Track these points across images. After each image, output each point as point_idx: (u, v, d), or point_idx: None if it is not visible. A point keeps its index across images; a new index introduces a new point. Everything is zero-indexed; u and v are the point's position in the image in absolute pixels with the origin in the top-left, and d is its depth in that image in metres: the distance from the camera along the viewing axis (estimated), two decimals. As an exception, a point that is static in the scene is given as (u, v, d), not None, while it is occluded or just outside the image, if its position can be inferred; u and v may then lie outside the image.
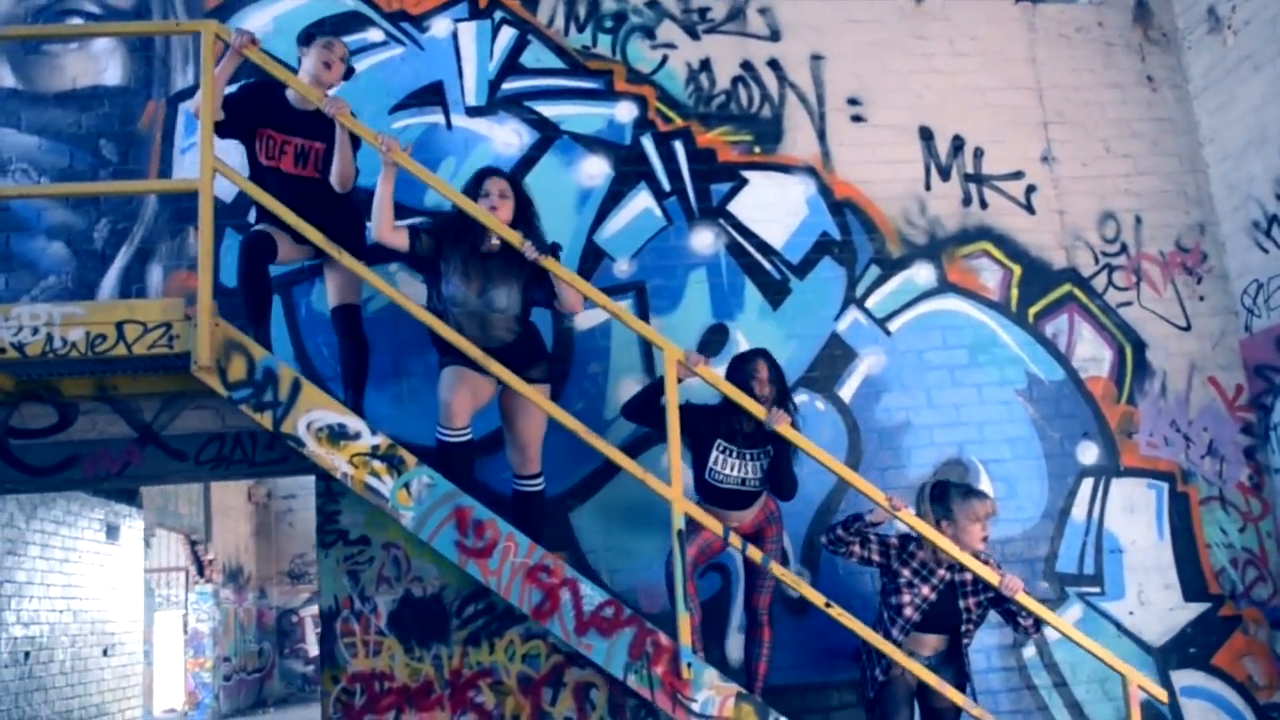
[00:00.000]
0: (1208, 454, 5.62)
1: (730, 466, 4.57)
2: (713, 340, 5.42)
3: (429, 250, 4.49)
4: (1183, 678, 5.38)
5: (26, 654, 7.63)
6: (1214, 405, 5.69)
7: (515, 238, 4.32)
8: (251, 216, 5.26)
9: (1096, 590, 5.41)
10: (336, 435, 4.21)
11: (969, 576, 4.38)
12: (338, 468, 4.20)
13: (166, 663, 17.84)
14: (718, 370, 4.61)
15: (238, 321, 5.06)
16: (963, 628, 4.43)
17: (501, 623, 5.01)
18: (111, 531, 9.26)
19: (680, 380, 4.33)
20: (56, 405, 5.07)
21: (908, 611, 4.40)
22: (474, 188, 4.52)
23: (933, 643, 4.47)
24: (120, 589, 9.45)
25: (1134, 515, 5.51)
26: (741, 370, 4.61)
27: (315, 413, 4.24)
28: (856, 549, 4.49)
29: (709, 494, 4.65)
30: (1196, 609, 5.46)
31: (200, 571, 17.58)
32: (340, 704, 4.93)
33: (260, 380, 4.23)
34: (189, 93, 5.39)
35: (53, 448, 5.05)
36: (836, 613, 4.25)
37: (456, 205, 4.35)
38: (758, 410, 4.33)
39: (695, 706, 4.09)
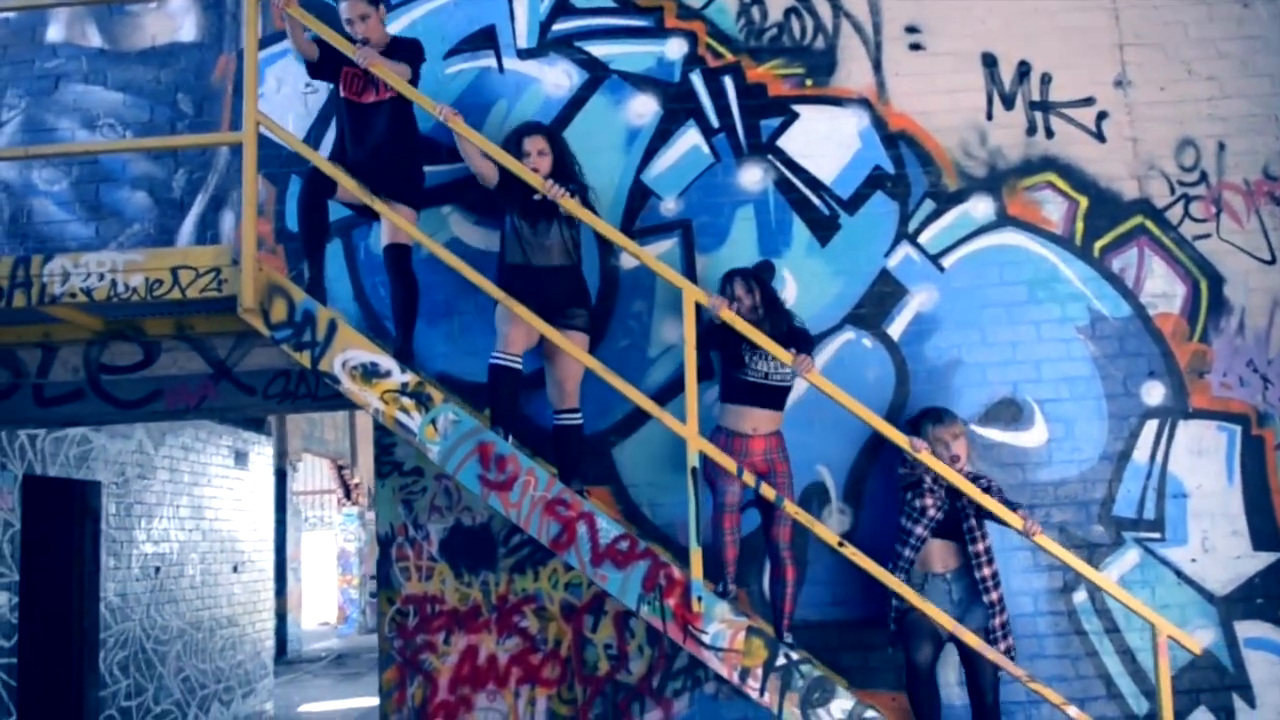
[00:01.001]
0: (1288, 395, 5.31)
1: (758, 361, 4.69)
2: (758, 278, 5.40)
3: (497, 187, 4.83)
4: (1247, 629, 5.16)
5: (157, 569, 8.33)
6: (1298, 343, 5.36)
7: (541, 184, 4.47)
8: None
9: (1156, 536, 5.22)
10: (369, 373, 4.44)
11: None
12: (370, 404, 4.44)
13: (318, 580, 19.08)
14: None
15: (300, 265, 5.39)
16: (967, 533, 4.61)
17: (546, 552, 5.19)
18: (240, 457, 9.93)
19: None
20: (141, 344, 5.49)
21: (920, 530, 4.60)
22: (514, 145, 4.76)
23: (940, 552, 4.59)
24: (250, 511, 10.14)
25: (1202, 459, 5.27)
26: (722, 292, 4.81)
27: (350, 352, 4.47)
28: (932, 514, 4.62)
29: (740, 393, 4.76)
30: (1267, 558, 5.21)
31: (347, 494, 18.64)
32: (395, 624, 5.24)
33: (300, 321, 4.49)
34: (260, 46, 5.66)
35: (138, 383, 5.48)
36: (850, 552, 4.27)
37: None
38: (783, 355, 4.35)
39: (706, 639, 4.20)
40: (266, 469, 10.61)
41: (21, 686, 6.86)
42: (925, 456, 4.28)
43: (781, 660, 4.17)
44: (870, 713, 4.15)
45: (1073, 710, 4.18)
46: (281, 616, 15.37)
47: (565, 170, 4.84)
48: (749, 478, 4.32)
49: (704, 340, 4.69)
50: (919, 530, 4.60)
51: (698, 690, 5.15)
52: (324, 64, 4.87)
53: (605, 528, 4.28)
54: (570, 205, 4.43)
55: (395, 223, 4.58)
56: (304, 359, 4.46)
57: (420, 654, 5.20)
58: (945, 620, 4.25)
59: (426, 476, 5.33)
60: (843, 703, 4.15)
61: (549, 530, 4.30)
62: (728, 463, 4.31)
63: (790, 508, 4.29)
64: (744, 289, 4.82)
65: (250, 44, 4.57)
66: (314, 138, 5.57)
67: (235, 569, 9.68)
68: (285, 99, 5.61)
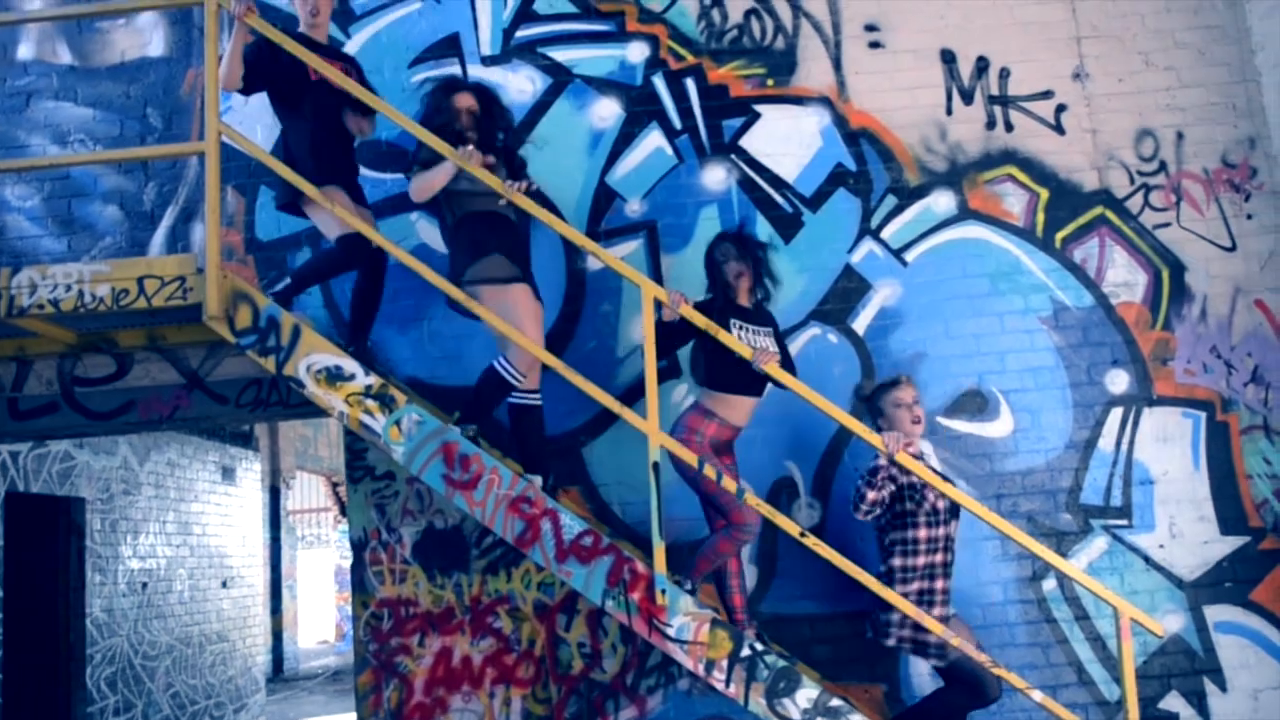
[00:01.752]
0: (1251, 380, 5.35)
1: (749, 339, 4.63)
2: (723, 276, 5.45)
3: None
4: (1217, 613, 5.19)
5: (144, 584, 8.36)
6: (1260, 329, 5.40)
7: (498, 185, 4.50)
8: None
9: (1124, 523, 5.26)
10: (333, 376, 4.48)
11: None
12: (335, 407, 4.48)
13: (315, 598, 19.08)
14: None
15: (271, 274, 5.44)
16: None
17: (518, 553, 5.24)
18: (227, 473, 9.97)
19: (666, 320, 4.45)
20: (114, 356, 5.53)
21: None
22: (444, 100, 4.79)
23: None
24: (239, 527, 10.17)
25: (1167, 445, 5.31)
26: (711, 258, 4.80)
27: (314, 356, 4.51)
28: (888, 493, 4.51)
29: (725, 380, 4.65)
30: (1234, 542, 5.24)
31: (343, 511, 18.64)
32: (370, 627, 5.28)
33: (264, 327, 4.53)
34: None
35: (111, 394, 5.52)
36: (812, 542, 4.30)
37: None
38: (744, 351, 4.38)
39: (670, 632, 4.23)
40: (255, 485, 10.65)
41: (8, 703, 6.88)
42: (904, 458, 4.29)
43: (746, 651, 4.19)
44: (835, 701, 4.18)
45: (1037, 694, 4.20)
46: (278, 635, 15.38)
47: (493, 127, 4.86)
48: (710, 472, 4.36)
49: (684, 332, 4.68)
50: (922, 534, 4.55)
51: (672, 686, 5.18)
52: (253, 78, 4.79)
53: (569, 524, 4.31)
54: (527, 205, 4.48)
55: (359, 229, 4.60)
56: (269, 364, 4.50)
57: (395, 657, 5.23)
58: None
59: (398, 480, 5.37)
60: (808, 692, 4.17)
61: (514, 528, 4.33)
62: (688, 456, 4.34)
63: (752, 500, 4.32)
64: (735, 254, 4.75)
65: (210, 54, 4.62)
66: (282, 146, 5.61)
67: (224, 584, 9.70)
68: (254, 110, 5.66)
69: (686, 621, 4.24)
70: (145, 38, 5.84)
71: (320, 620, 19.62)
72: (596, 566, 4.28)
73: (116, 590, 8.16)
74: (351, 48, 5.69)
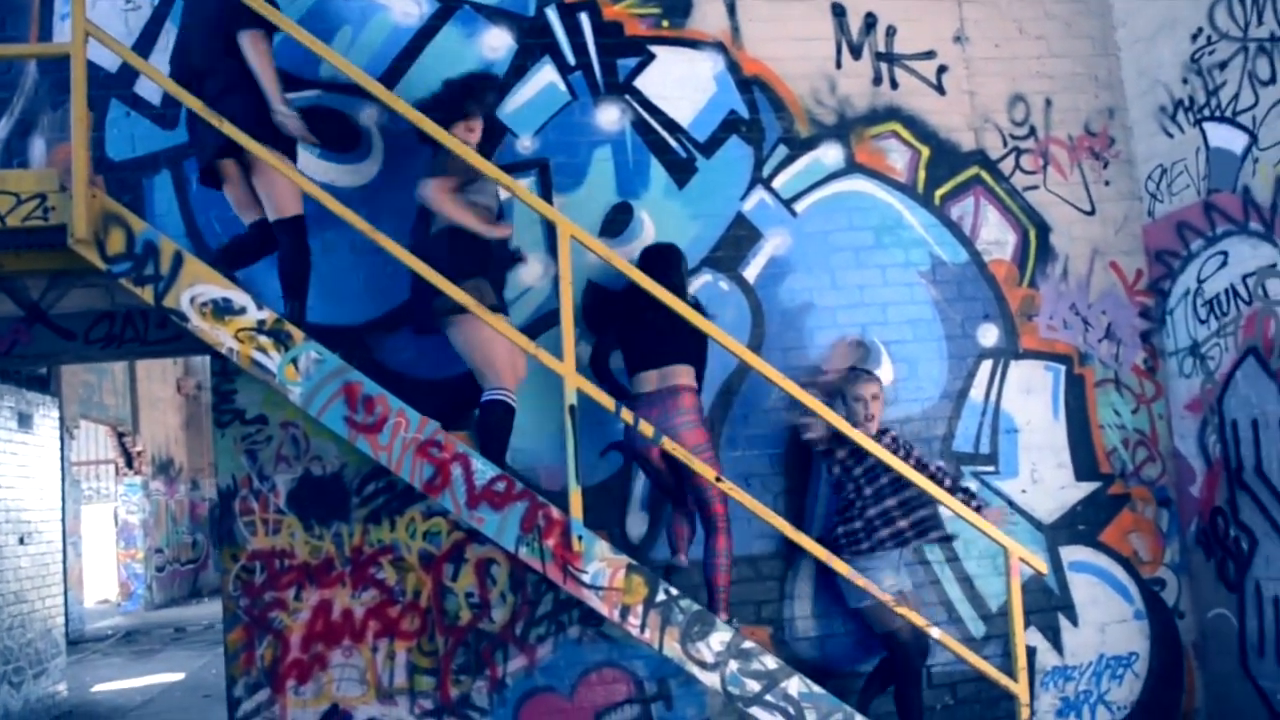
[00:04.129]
0: (1105, 337, 5.72)
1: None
2: (617, 219, 5.36)
3: None
4: (1071, 553, 5.55)
5: (-66, 540, 7.53)
6: (1114, 290, 5.77)
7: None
8: (140, 87, 5.08)
9: (991, 469, 5.53)
10: (221, 310, 4.13)
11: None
12: (223, 343, 4.13)
13: (98, 555, 17.82)
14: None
15: (124, 198, 4.95)
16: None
17: (402, 501, 5.02)
18: (24, 420, 9.08)
19: None
20: (-64, 282, 4.91)
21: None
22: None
23: None
24: (36, 478, 9.30)
25: (1031, 396, 5.62)
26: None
27: (199, 287, 4.14)
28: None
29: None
30: (1087, 488, 5.62)
31: (129, 463, 17.45)
32: (240, 581, 4.93)
33: (140, 254, 4.12)
34: (65, -44, 5.13)
35: (-67, 326, 4.90)
36: (727, 487, 4.31)
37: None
38: (607, 401, 4.28)
39: (585, 578, 4.15)
40: (53, 432, 9.76)
41: None
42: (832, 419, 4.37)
43: (662, 596, 4.16)
44: (747, 643, 4.21)
45: (935, 631, 4.37)
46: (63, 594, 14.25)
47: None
48: (627, 415, 4.28)
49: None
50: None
51: (561, 635, 5.10)
52: None
53: (481, 469, 4.15)
54: (454, 144, 4.23)
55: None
56: (146, 294, 4.10)
57: (269, 612, 4.91)
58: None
59: (271, 424, 5.02)
60: (721, 635, 4.18)
61: (422, 473, 4.13)
62: (606, 400, 4.26)
63: (668, 444, 4.28)
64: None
65: (77, -54, 4.12)
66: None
67: (21, 540, 8.86)
68: (102, 15, 5.09)
69: (602, 568, 4.16)
70: (-29, -76, 5.15)
71: (103, 579, 18.36)
72: (510, 512, 4.14)
73: (-97, 548, 7.32)
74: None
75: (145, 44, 5.13)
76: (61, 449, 12.71)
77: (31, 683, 8.73)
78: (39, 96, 5.08)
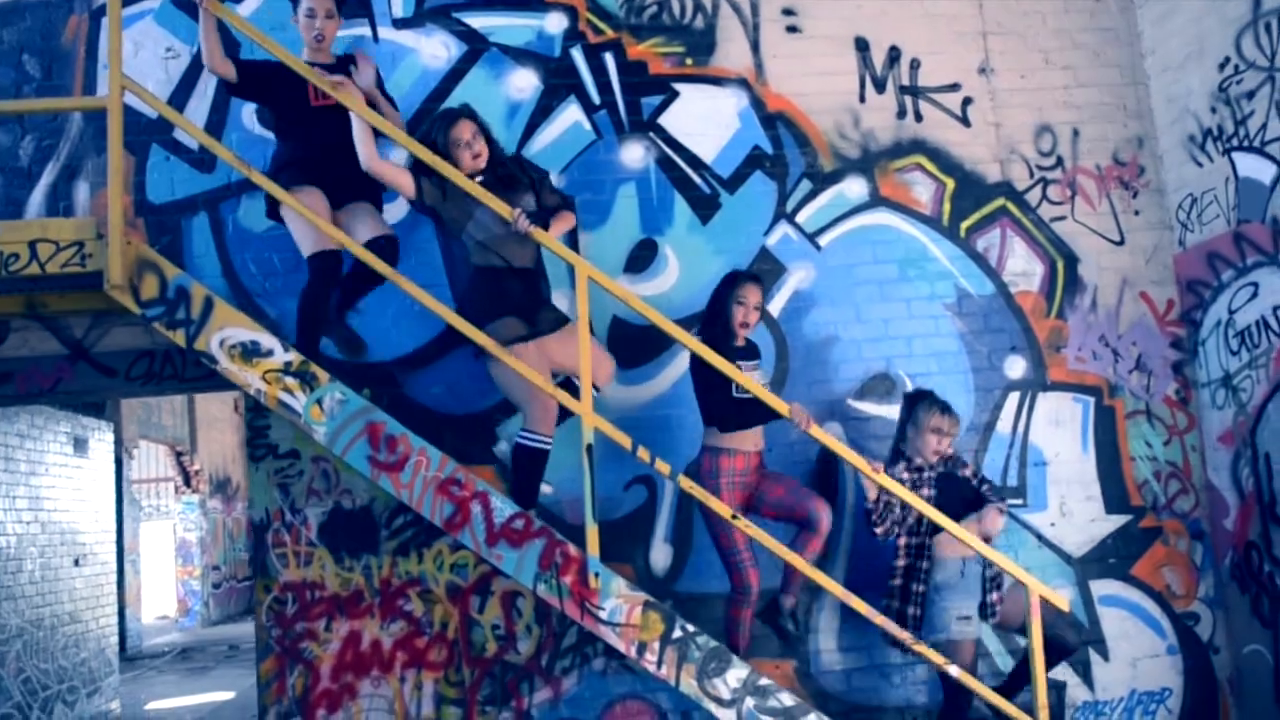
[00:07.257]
0: (1136, 368, 5.66)
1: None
2: (641, 255, 5.43)
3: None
4: (1101, 587, 5.50)
5: (-8, 564, 7.79)
6: (1144, 320, 5.72)
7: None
8: (179, 133, 5.25)
9: (1019, 502, 5.50)
10: (249, 352, 4.26)
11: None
12: (251, 384, 4.25)
13: (156, 571, 18.23)
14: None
15: (164, 240, 5.12)
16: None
17: (430, 534, 5.12)
18: (79, 444, 9.37)
19: None
20: (-13, 323, 5.11)
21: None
22: (442, 133, 4.53)
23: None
24: (91, 501, 9.58)
25: (1059, 428, 5.58)
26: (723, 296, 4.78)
27: (228, 330, 4.28)
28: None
29: (733, 417, 4.67)
30: (1118, 520, 5.56)
31: (186, 482, 17.85)
32: (273, 612, 5.06)
33: (173, 298, 4.26)
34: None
35: (-16, 365, 5.11)
36: (743, 524, 4.35)
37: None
38: (624, 440, 4.26)
39: (603, 614, 4.20)
40: (107, 456, 10.05)
41: None
42: (881, 478, 4.38)
43: (678, 633, 4.20)
44: (764, 680, 4.24)
45: (954, 669, 4.36)
46: (120, 611, 14.63)
47: (499, 154, 4.68)
48: (644, 454, 4.34)
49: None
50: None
51: (586, 667, 5.16)
52: (247, 84, 4.61)
53: (500, 507, 4.23)
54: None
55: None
56: (178, 338, 4.24)
57: (300, 642, 5.04)
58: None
59: (303, 459, 5.16)
60: (738, 672, 4.22)
61: (442, 511, 4.22)
62: (623, 440, 4.31)
63: (685, 483, 4.33)
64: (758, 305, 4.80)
65: (114, 4, 4.30)
66: (176, 106, 5.27)
67: (76, 562, 9.13)
68: (144, 64, 5.30)
69: (619, 604, 4.22)
70: (20, -22, 5.37)
71: (161, 595, 18.79)
72: (528, 550, 4.21)
73: (-38, 571, 7.60)
74: (253, 4, 5.38)
75: (184, 91, 5.32)
76: (119, 469, 13.09)
77: (85, 701, 8.99)
78: (84, 143, 5.28)
